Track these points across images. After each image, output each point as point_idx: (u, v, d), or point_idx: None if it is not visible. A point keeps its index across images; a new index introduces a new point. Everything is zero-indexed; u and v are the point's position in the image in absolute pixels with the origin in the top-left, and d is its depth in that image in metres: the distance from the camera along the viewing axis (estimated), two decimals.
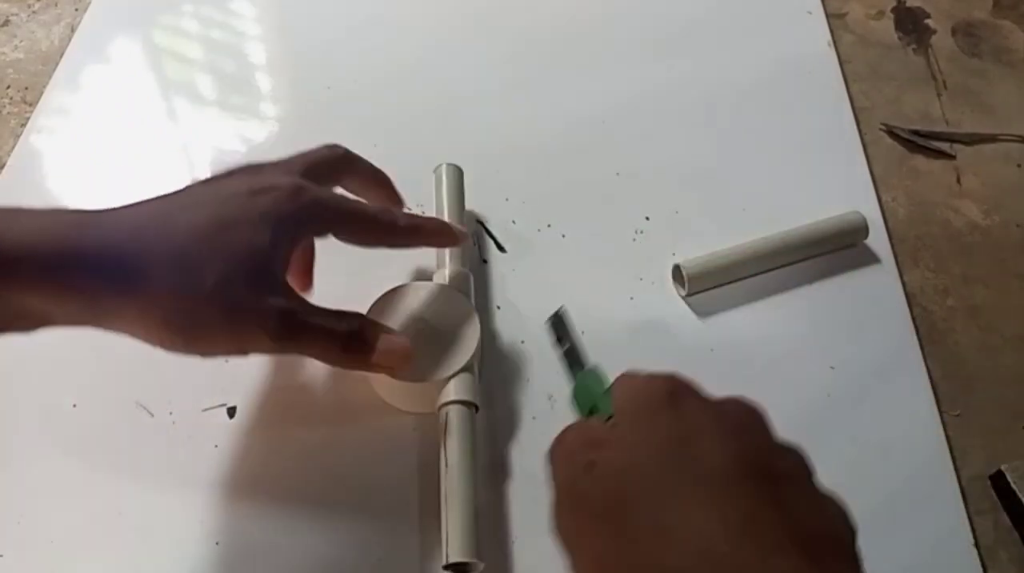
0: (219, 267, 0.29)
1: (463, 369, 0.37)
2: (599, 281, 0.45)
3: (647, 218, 0.48)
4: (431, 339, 0.37)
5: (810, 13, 0.60)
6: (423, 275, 0.43)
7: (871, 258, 0.46)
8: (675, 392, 0.26)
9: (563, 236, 0.47)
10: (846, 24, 0.61)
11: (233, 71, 0.56)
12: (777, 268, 0.45)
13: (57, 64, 0.56)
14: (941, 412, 0.40)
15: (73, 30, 0.59)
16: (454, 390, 0.37)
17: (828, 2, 0.61)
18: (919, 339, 0.43)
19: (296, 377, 0.41)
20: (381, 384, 0.39)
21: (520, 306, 0.44)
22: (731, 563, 0.20)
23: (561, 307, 0.36)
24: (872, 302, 0.44)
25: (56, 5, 0.62)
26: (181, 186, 0.33)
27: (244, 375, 0.41)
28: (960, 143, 0.54)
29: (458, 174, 0.46)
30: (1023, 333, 0.45)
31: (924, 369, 0.42)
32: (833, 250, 0.46)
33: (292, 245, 0.32)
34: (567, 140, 0.52)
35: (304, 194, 0.32)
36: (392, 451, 0.39)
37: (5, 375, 0.42)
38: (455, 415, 0.36)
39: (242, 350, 0.32)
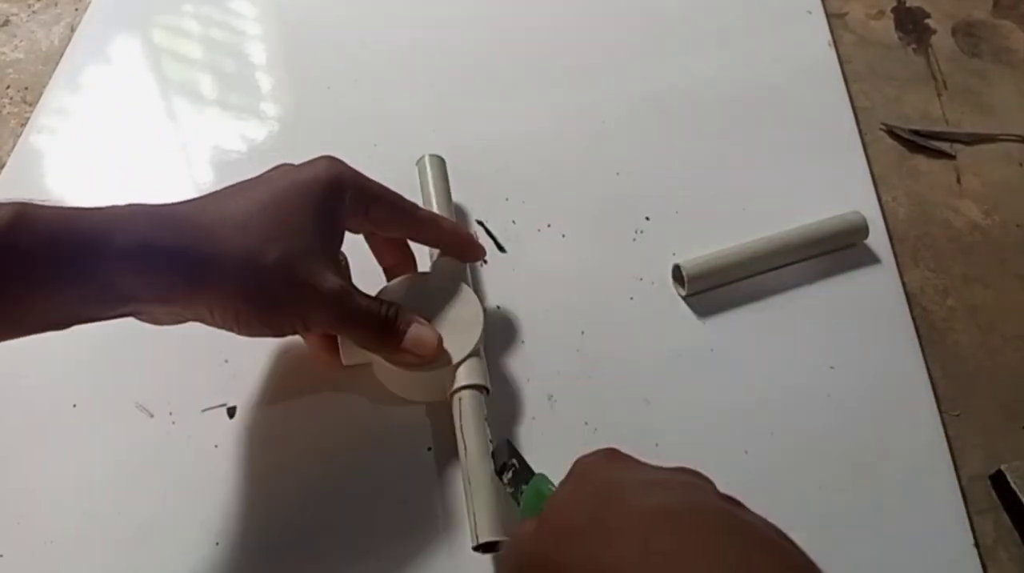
0: (281, 246, 0.32)
1: (471, 354, 0.38)
2: (599, 281, 0.45)
3: (647, 218, 0.48)
4: (437, 327, 0.38)
5: (810, 13, 0.60)
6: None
7: (871, 258, 0.46)
8: (610, 454, 0.29)
9: (563, 236, 0.47)
10: (846, 24, 0.61)
11: (233, 71, 0.56)
12: (777, 268, 0.45)
13: (57, 64, 0.56)
14: (941, 412, 0.40)
15: (73, 30, 0.59)
16: (465, 375, 0.37)
17: (828, 2, 0.61)
18: (919, 339, 0.43)
19: (296, 377, 0.41)
20: (389, 376, 0.39)
21: (520, 306, 0.44)
22: None
23: (501, 439, 0.36)
24: (872, 302, 0.44)
25: (56, 5, 0.62)
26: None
27: (244, 375, 0.41)
28: (960, 143, 0.54)
29: (441, 164, 0.46)
30: (1023, 333, 0.45)
31: (924, 369, 0.42)
32: (833, 250, 0.46)
33: (339, 223, 0.35)
34: (567, 140, 0.52)
35: (346, 167, 0.36)
36: (393, 450, 0.39)
37: (5, 375, 0.42)
38: (469, 399, 0.37)
39: (306, 327, 0.34)
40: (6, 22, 0.61)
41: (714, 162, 0.51)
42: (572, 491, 0.27)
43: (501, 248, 0.46)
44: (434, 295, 0.39)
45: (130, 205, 0.31)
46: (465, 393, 0.37)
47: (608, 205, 0.48)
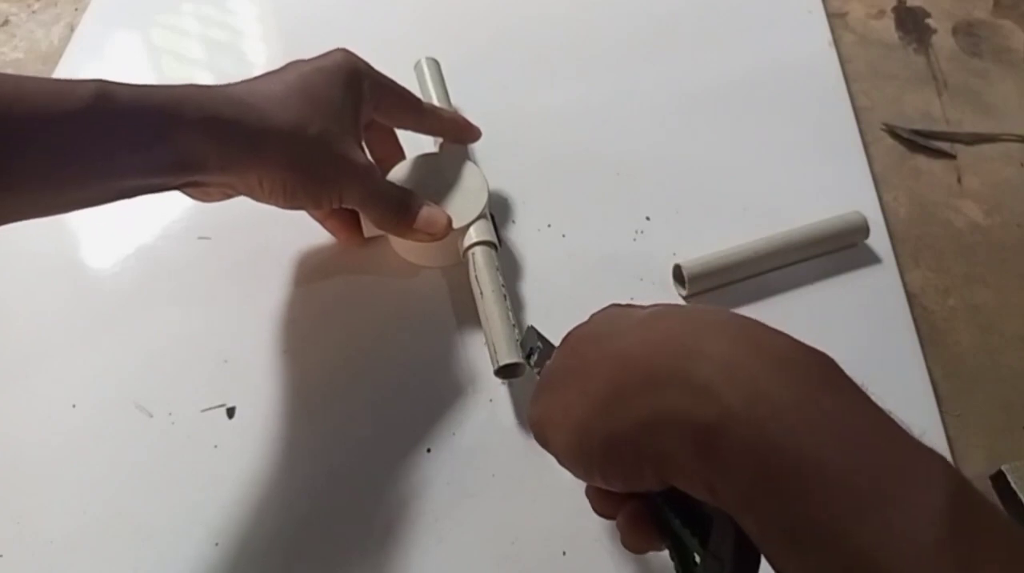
0: (319, 123, 0.36)
1: (479, 217, 0.43)
2: (599, 281, 0.45)
3: (647, 218, 0.48)
4: (446, 196, 0.43)
5: (810, 12, 0.60)
6: None
7: (871, 258, 0.46)
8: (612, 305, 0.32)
9: (563, 236, 0.47)
10: (846, 23, 0.61)
11: (233, 71, 0.56)
12: (777, 268, 0.45)
13: (57, 64, 0.56)
14: (941, 412, 0.40)
15: (73, 30, 0.59)
16: (476, 233, 0.42)
17: (828, 1, 0.61)
18: (919, 339, 0.43)
19: (296, 377, 0.41)
20: (405, 244, 0.44)
21: (520, 306, 0.44)
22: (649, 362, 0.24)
23: (528, 327, 0.39)
24: (872, 302, 0.44)
25: (56, 5, 0.62)
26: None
27: (244, 375, 0.41)
28: (961, 143, 0.54)
29: (437, 67, 0.51)
30: (1023, 333, 0.45)
31: (924, 369, 0.42)
32: (833, 250, 0.46)
33: (359, 103, 0.39)
34: (567, 140, 0.52)
35: (360, 59, 0.40)
36: (393, 450, 0.39)
37: (5, 375, 0.42)
38: (481, 254, 0.42)
39: (340, 199, 0.38)
40: (6, 22, 0.61)
41: (714, 162, 0.50)
42: (582, 326, 0.31)
43: (500, 243, 0.46)
44: (443, 171, 0.44)
45: (191, 85, 0.34)
46: (477, 249, 0.42)
47: (608, 205, 0.48)
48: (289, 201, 0.37)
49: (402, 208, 0.40)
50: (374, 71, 0.40)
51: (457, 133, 0.46)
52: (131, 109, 0.31)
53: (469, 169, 0.45)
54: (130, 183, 0.32)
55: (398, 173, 0.44)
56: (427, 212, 0.41)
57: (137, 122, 0.32)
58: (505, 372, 0.38)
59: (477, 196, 0.43)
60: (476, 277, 0.41)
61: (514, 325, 0.39)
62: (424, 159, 0.45)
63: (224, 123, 0.33)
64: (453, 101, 0.50)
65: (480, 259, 0.41)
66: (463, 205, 0.43)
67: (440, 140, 0.47)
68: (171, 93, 0.33)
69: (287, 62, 0.39)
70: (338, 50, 0.39)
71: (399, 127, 0.45)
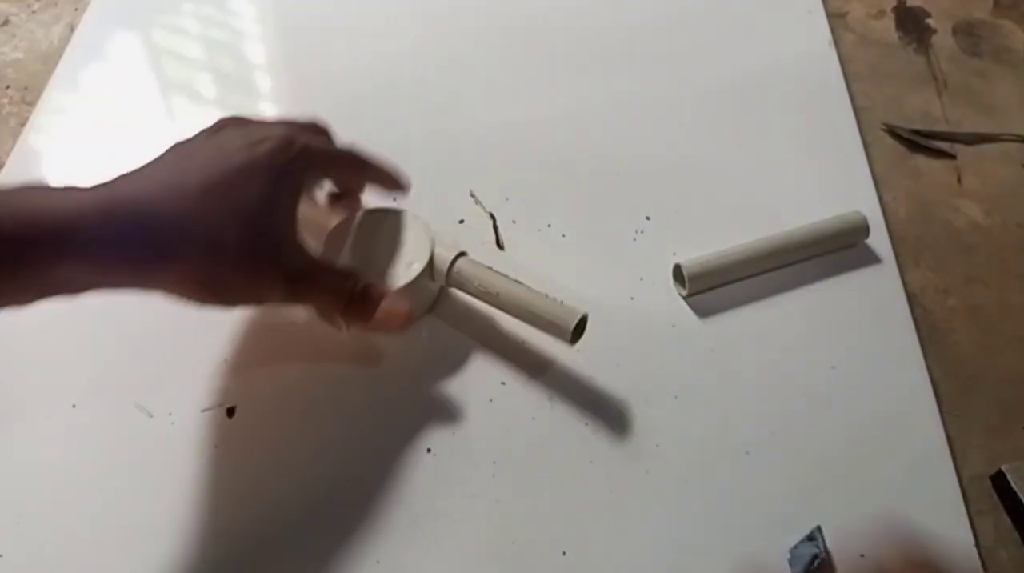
0: (238, 230, 0.32)
1: (431, 253, 0.41)
2: (599, 281, 0.45)
3: (647, 218, 0.48)
4: (391, 252, 0.41)
5: (810, 13, 0.60)
6: None
7: (871, 258, 0.46)
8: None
9: (563, 236, 0.47)
10: (846, 23, 0.61)
11: (233, 71, 0.56)
12: (777, 268, 0.45)
13: (57, 64, 0.56)
14: (941, 412, 0.40)
15: (73, 30, 0.59)
16: (443, 258, 0.40)
17: (828, 1, 0.61)
18: (919, 339, 0.43)
19: (296, 377, 0.41)
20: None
21: None
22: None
23: None
24: (872, 302, 0.44)
25: (56, 5, 0.62)
26: (180, 141, 0.35)
27: (244, 375, 0.41)
28: (960, 143, 0.54)
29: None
30: (1023, 333, 0.45)
31: (924, 369, 0.42)
32: (833, 250, 0.46)
33: (295, 197, 0.35)
34: (567, 140, 0.52)
35: (296, 142, 0.35)
36: (393, 450, 0.39)
37: (5, 375, 0.42)
38: (465, 264, 0.40)
39: (259, 301, 0.36)
40: (6, 22, 0.61)
41: (714, 162, 0.50)
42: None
43: (500, 245, 0.46)
44: (374, 229, 0.42)
45: (93, 191, 0.31)
46: (457, 264, 0.40)
47: (608, 205, 0.48)
48: (194, 305, 0.34)
49: (353, 301, 0.36)
50: (316, 147, 0.36)
51: (389, 181, 0.42)
52: (16, 236, 0.28)
53: (398, 216, 0.42)
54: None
55: (337, 236, 0.41)
56: (386, 306, 0.37)
57: (19, 253, 0.28)
58: (577, 332, 0.38)
59: (421, 237, 0.41)
60: (480, 287, 0.40)
61: (545, 294, 0.39)
62: (353, 222, 0.42)
63: (119, 249, 0.30)
64: (455, 101, 0.50)
65: (467, 270, 0.40)
66: (413, 251, 0.41)
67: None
68: (64, 214, 0.29)
69: (230, 117, 0.36)
70: (277, 128, 0.36)
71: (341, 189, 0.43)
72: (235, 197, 0.32)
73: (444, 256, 0.40)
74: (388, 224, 0.42)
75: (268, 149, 0.34)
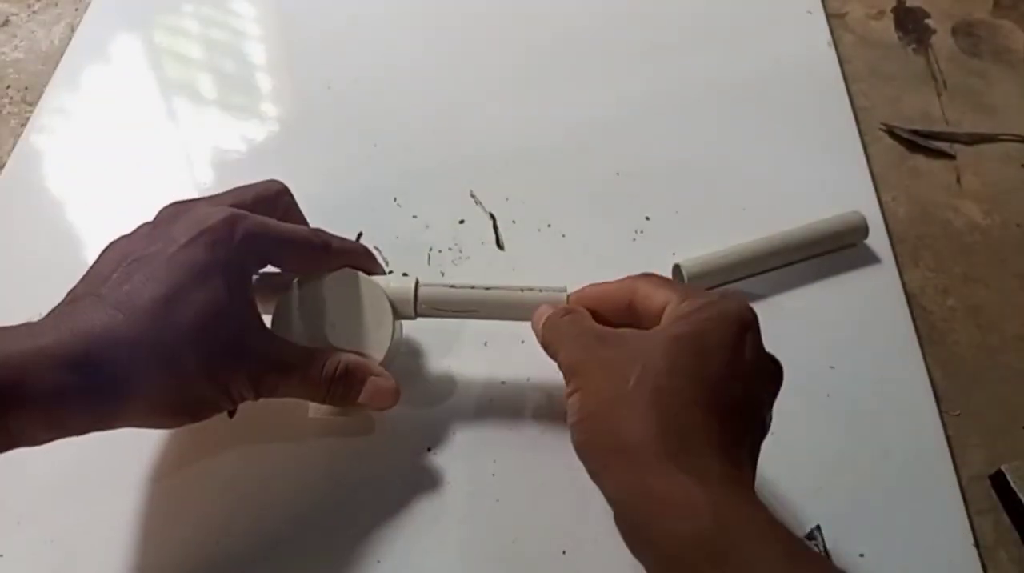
0: (196, 343, 0.30)
1: (390, 303, 0.37)
2: (599, 281, 0.45)
3: (647, 218, 0.48)
4: (350, 323, 0.37)
5: (810, 13, 0.60)
6: None
7: (871, 258, 0.46)
8: None
9: (563, 236, 0.47)
10: (846, 24, 0.61)
11: (233, 71, 0.56)
12: (777, 268, 0.45)
13: (57, 64, 0.56)
14: (941, 412, 0.40)
15: (73, 30, 0.59)
16: (401, 300, 0.37)
17: (828, 2, 0.61)
18: (919, 339, 0.43)
19: None
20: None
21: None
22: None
23: None
24: (872, 302, 0.44)
25: (56, 5, 0.62)
26: (120, 239, 0.33)
27: None
28: (960, 143, 0.54)
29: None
30: (1023, 333, 0.45)
31: (924, 369, 0.42)
32: (833, 250, 0.46)
33: (245, 286, 0.33)
34: (567, 140, 0.52)
35: (237, 226, 0.32)
36: (393, 450, 0.39)
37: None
38: (428, 294, 0.37)
39: (235, 404, 0.34)
40: (6, 22, 0.61)
41: (714, 162, 0.51)
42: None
43: (500, 245, 0.46)
44: (321, 298, 0.37)
45: (42, 329, 0.29)
46: (420, 297, 0.37)
47: (608, 205, 0.48)
48: (160, 427, 0.33)
49: (334, 387, 0.34)
50: (256, 220, 0.33)
51: (366, 263, 0.38)
52: None
53: (361, 284, 0.37)
54: None
55: (282, 314, 0.36)
56: (372, 386, 0.35)
57: None
58: None
59: (373, 293, 0.37)
60: (456, 309, 0.37)
61: (520, 288, 0.37)
62: (300, 293, 0.36)
63: (72, 398, 0.28)
64: (455, 101, 0.50)
65: (434, 298, 0.37)
66: (370, 308, 0.37)
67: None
68: (10, 368, 0.27)
69: (171, 205, 0.33)
70: (218, 215, 0.32)
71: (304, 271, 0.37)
72: (186, 304, 0.30)
73: (403, 296, 0.37)
74: (327, 288, 0.37)
75: (209, 242, 0.31)
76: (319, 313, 0.36)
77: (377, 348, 0.36)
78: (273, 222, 0.34)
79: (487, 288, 0.37)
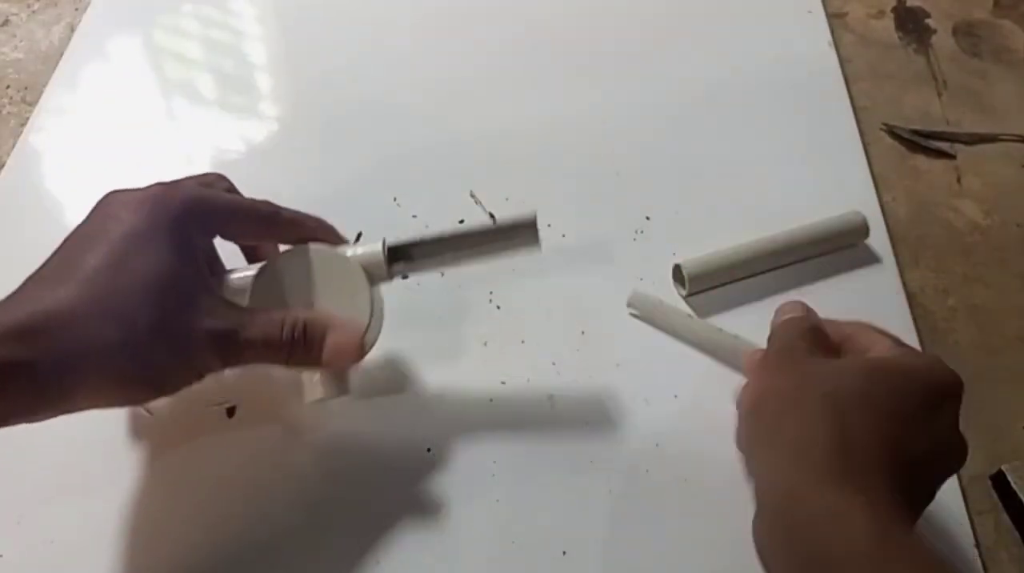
0: (145, 309, 0.29)
1: (360, 268, 0.35)
2: (599, 281, 0.45)
3: (647, 218, 0.48)
4: (322, 291, 0.35)
5: (810, 13, 0.60)
6: None
7: (871, 258, 0.46)
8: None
9: (563, 236, 0.47)
10: (846, 24, 0.61)
11: (233, 71, 0.56)
12: (777, 268, 0.45)
13: (57, 64, 0.56)
14: None
15: (73, 30, 0.59)
16: (372, 262, 0.35)
17: (828, 2, 0.61)
18: (919, 339, 0.43)
19: (296, 376, 0.41)
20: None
21: (520, 306, 0.44)
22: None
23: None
24: (872, 302, 0.44)
25: (56, 5, 0.62)
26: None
27: (244, 375, 0.41)
28: (960, 143, 0.54)
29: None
30: (1023, 333, 0.45)
31: None
32: (833, 250, 0.46)
33: (193, 250, 0.31)
34: (567, 140, 0.52)
35: (175, 194, 0.31)
36: (393, 450, 0.39)
37: None
38: (404, 253, 0.35)
39: (200, 377, 0.31)
40: (6, 22, 0.61)
41: (714, 162, 0.51)
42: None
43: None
44: (303, 272, 0.35)
45: None
46: (396, 265, 0.36)
47: (608, 205, 0.48)
48: (134, 404, 0.32)
49: (295, 349, 0.32)
50: (204, 199, 0.32)
51: (324, 235, 0.37)
52: None
53: (337, 262, 0.35)
54: None
55: (255, 301, 0.34)
56: (333, 340, 0.33)
57: None
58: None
59: (354, 275, 0.35)
60: (438, 260, 0.36)
61: (484, 228, 0.35)
62: (268, 276, 0.35)
63: (21, 376, 0.26)
64: (455, 101, 0.50)
65: (415, 254, 0.35)
66: (342, 279, 0.35)
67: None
68: None
69: (97, 206, 0.32)
70: (153, 189, 0.32)
71: (256, 243, 0.38)
72: (130, 270, 0.29)
73: (374, 259, 0.35)
74: (294, 266, 0.35)
75: (148, 210, 0.30)
76: (292, 292, 0.34)
77: (358, 318, 0.35)
78: (213, 191, 0.34)
79: (460, 233, 0.36)
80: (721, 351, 0.41)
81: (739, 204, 0.48)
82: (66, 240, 0.31)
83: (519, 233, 0.35)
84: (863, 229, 0.46)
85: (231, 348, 0.31)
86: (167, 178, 0.51)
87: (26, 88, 0.57)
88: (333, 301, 0.35)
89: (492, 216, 0.48)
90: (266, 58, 0.57)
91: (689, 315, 0.43)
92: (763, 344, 0.42)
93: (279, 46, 0.59)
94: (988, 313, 0.45)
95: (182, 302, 0.30)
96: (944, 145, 0.54)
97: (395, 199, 0.48)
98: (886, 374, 0.30)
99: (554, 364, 0.42)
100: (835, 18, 0.61)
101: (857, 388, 0.29)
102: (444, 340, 0.42)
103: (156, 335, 0.29)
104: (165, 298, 0.29)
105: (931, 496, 0.30)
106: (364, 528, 0.36)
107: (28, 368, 0.26)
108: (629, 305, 0.43)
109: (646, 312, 0.43)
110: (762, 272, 0.45)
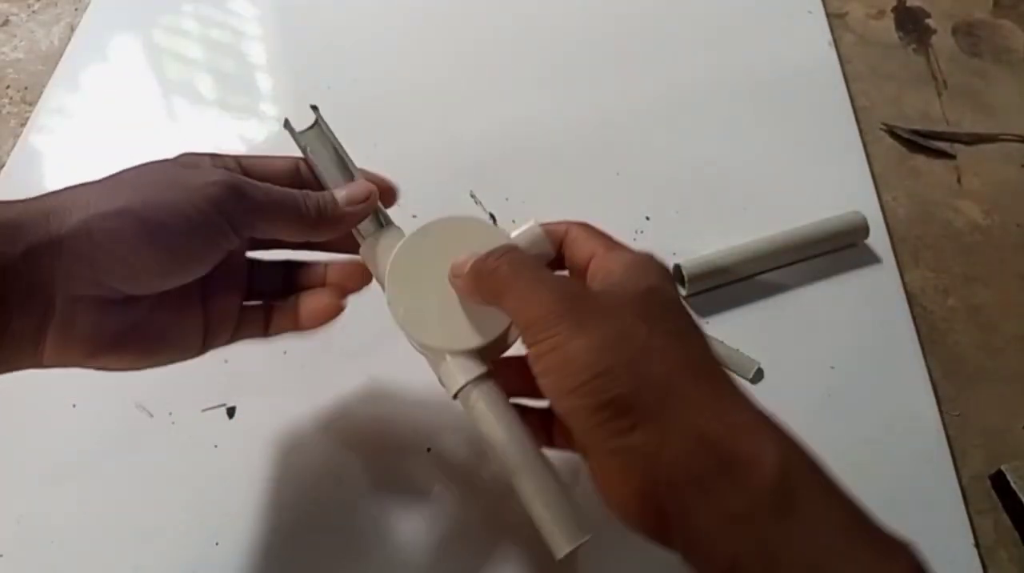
0: (153, 186, 0.29)
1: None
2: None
3: (647, 218, 0.48)
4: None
5: (810, 13, 0.60)
6: None
7: (871, 258, 0.46)
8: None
9: None
10: (846, 24, 0.61)
11: (233, 71, 0.56)
12: (777, 268, 0.45)
13: (57, 64, 0.56)
14: (941, 412, 0.40)
15: (73, 30, 0.59)
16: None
17: (828, 2, 0.61)
18: (919, 339, 0.43)
19: (296, 377, 0.41)
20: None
21: None
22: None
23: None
24: (872, 302, 0.44)
25: (56, 5, 0.62)
26: None
27: (244, 375, 0.41)
28: (960, 143, 0.54)
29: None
30: (1023, 333, 0.45)
31: (924, 369, 0.42)
32: (833, 250, 0.46)
33: (231, 232, 0.29)
34: (567, 140, 0.52)
35: (223, 173, 0.30)
36: (393, 450, 0.39)
37: (5, 375, 0.42)
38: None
39: (215, 245, 0.29)
40: (6, 22, 0.61)
41: (714, 162, 0.51)
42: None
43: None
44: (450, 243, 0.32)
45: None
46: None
47: (608, 205, 0.48)
48: (171, 279, 0.28)
49: (322, 221, 0.31)
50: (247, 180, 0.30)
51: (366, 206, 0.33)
52: None
53: (478, 229, 0.33)
54: None
55: (396, 277, 0.32)
56: (348, 192, 0.32)
57: None
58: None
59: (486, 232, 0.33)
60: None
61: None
62: (417, 240, 0.33)
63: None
64: (455, 101, 0.50)
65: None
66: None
67: None
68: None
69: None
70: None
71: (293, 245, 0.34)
72: (149, 170, 0.29)
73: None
74: (440, 238, 0.32)
75: (200, 173, 0.29)
76: (439, 267, 0.31)
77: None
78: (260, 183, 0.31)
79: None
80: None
81: (739, 204, 0.48)
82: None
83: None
84: (863, 229, 0.46)
85: (238, 198, 0.29)
86: None
87: (26, 88, 0.57)
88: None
89: (492, 217, 0.48)
90: (266, 58, 0.57)
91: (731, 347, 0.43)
92: (762, 355, 0.42)
93: (279, 46, 0.59)
94: (988, 313, 0.45)
95: (190, 169, 0.29)
96: (944, 145, 0.54)
97: None
98: (658, 296, 0.27)
99: None
100: (835, 18, 0.61)
101: (667, 318, 0.26)
102: None
103: (159, 189, 0.28)
104: (176, 174, 0.29)
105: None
106: (364, 528, 0.36)
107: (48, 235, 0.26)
108: None
109: None
110: (762, 272, 0.45)
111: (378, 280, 0.34)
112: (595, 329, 0.25)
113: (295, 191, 0.31)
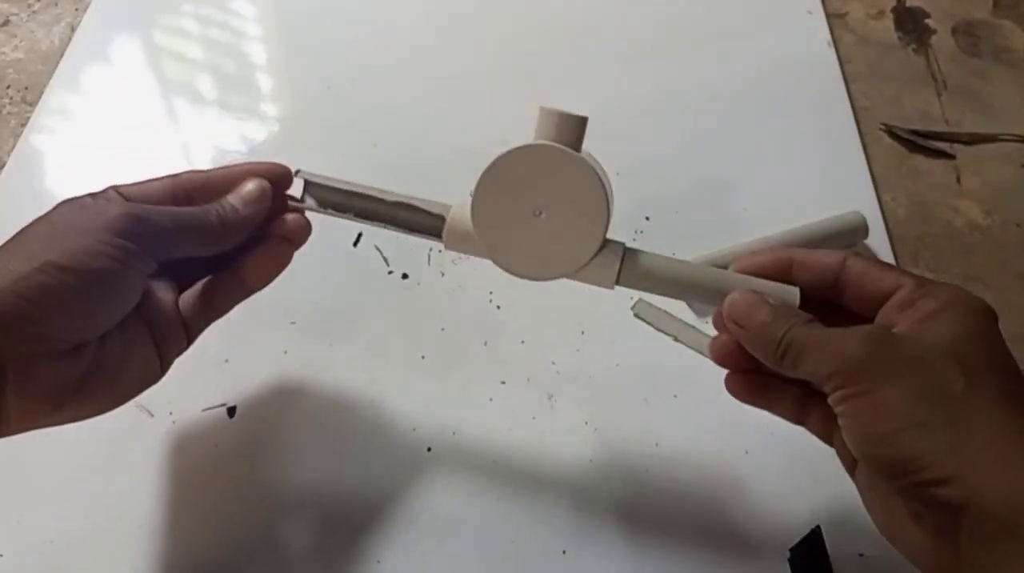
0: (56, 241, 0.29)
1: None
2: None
3: (647, 218, 0.48)
4: (558, 213, 0.33)
5: (810, 13, 0.60)
6: None
7: None
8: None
9: None
10: (846, 24, 0.61)
11: (233, 71, 0.56)
12: None
13: (57, 64, 0.56)
14: None
15: (73, 30, 0.59)
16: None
17: (828, 2, 0.61)
18: None
19: (296, 377, 0.41)
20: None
21: (520, 306, 0.44)
22: None
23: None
24: None
25: (56, 5, 0.62)
26: None
27: (244, 375, 0.41)
28: (960, 143, 0.54)
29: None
30: (1023, 333, 0.45)
31: None
32: (833, 250, 0.46)
33: (144, 269, 0.30)
34: None
35: (122, 205, 0.31)
36: (393, 450, 0.39)
37: None
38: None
39: (143, 275, 0.30)
40: (6, 22, 0.61)
41: (714, 162, 0.51)
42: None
43: None
44: (536, 179, 0.33)
45: None
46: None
47: None
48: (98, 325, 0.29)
49: (219, 228, 0.32)
50: (144, 207, 0.31)
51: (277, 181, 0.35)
52: None
53: (572, 163, 0.33)
54: None
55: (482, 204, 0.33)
56: (243, 193, 0.33)
57: None
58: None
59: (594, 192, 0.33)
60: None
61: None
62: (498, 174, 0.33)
63: None
64: (456, 101, 0.50)
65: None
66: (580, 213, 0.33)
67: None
68: None
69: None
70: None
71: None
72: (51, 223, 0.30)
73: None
74: (528, 166, 0.32)
75: (97, 208, 0.30)
76: (522, 193, 0.32)
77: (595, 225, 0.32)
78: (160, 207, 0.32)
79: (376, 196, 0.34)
80: None
81: (739, 204, 0.48)
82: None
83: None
84: (863, 229, 0.46)
85: (143, 225, 0.30)
86: None
87: (26, 88, 0.56)
88: (567, 204, 0.33)
89: None
90: (266, 58, 0.57)
91: (693, 326, 0.43)
92: None
93: (279, 46, 0.59)
94: None
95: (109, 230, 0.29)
96: (944, 145, 0.54)
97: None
98: (981, 342, 0.27)
99: (554, 364, 0.42)
100: (835, 18, 0.61)
101: (979, 367, 0.26)
102: (444, 340, 0.43)
103: (74, 238, 0.29)
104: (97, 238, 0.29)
105: None
106: (364, 528, 0.36)
107: None
108: (635, 313, 0.43)
109: (651, 321, 0.43)
110: None
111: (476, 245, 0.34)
112: (911, 376, 0.25)
113: (195, 207, 0.33)
